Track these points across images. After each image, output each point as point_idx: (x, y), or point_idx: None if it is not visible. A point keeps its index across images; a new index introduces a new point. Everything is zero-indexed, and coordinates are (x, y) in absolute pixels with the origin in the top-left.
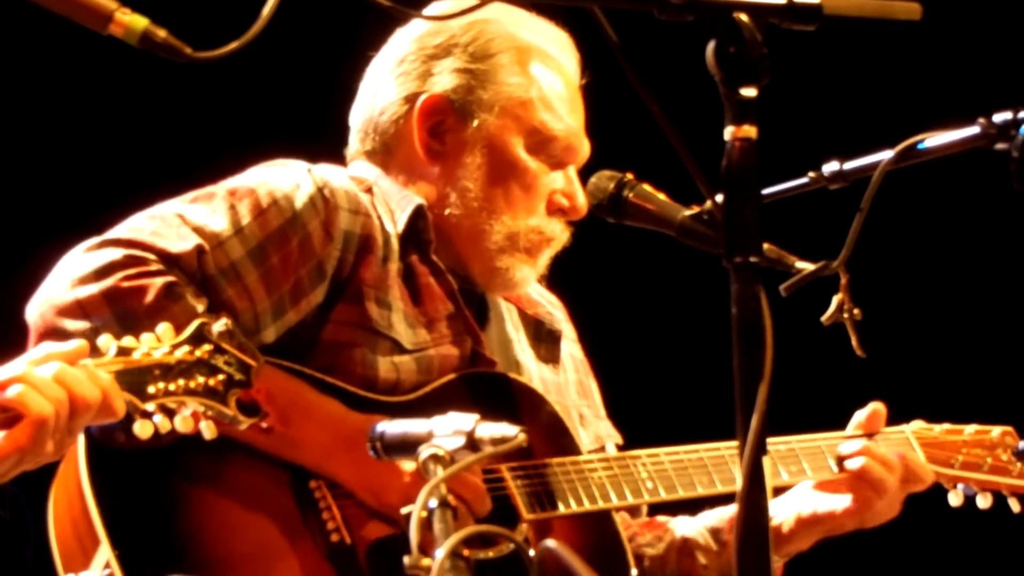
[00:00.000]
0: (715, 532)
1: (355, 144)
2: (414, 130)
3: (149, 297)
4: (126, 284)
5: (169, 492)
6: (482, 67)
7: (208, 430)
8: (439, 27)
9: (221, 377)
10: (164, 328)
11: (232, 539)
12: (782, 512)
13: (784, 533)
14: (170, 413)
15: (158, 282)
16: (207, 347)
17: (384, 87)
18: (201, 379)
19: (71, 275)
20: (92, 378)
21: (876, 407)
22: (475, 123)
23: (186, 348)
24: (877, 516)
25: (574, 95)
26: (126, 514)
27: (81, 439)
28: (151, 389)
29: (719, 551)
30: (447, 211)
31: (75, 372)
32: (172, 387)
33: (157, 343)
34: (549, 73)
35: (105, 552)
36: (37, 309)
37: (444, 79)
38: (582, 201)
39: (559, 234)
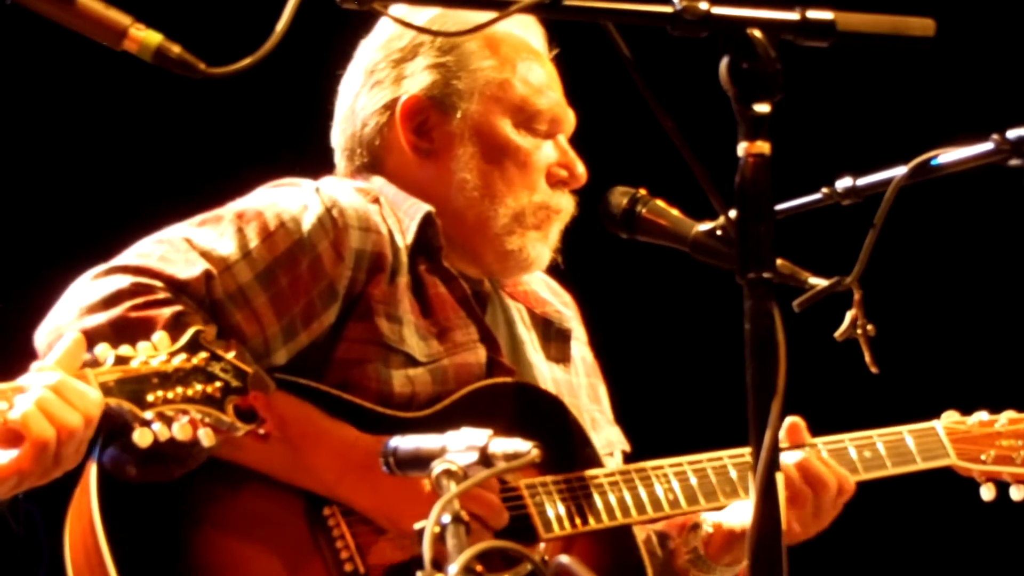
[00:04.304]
0: (662, 537)
1: (343, 164)
2: (399, 135)
3: (158, 329)
4: (134, 315)
5: (180, 525)
6: (452, 58)
7: (206, 437)
8: (402, 30)
9: (218, 384)
10: (160, 337)
11: (244, 572)
12: (723, 521)
13: (720, 543)
14: (168, 421)
15: (166, 313)
16: (203, 355)
17: (360, 101)
18: (199, 386)
19: (79, 303)
20: (88, 391)
21: (793, 420)
22: (458, 114)
23: (183, 356)
24: (804, 532)
25: (548, 68)
26: (137, 551)
27: (94, 474)
28: (150, 397)
29: (663, 557)
30: (449, 207)
31: (75, 387)
32: (171, 395)
33: (154, 352)
34: (519, 51)
35: None
36: (45, 338)
37: (418, 79)
38: (581, 169)
39: (565, 205)
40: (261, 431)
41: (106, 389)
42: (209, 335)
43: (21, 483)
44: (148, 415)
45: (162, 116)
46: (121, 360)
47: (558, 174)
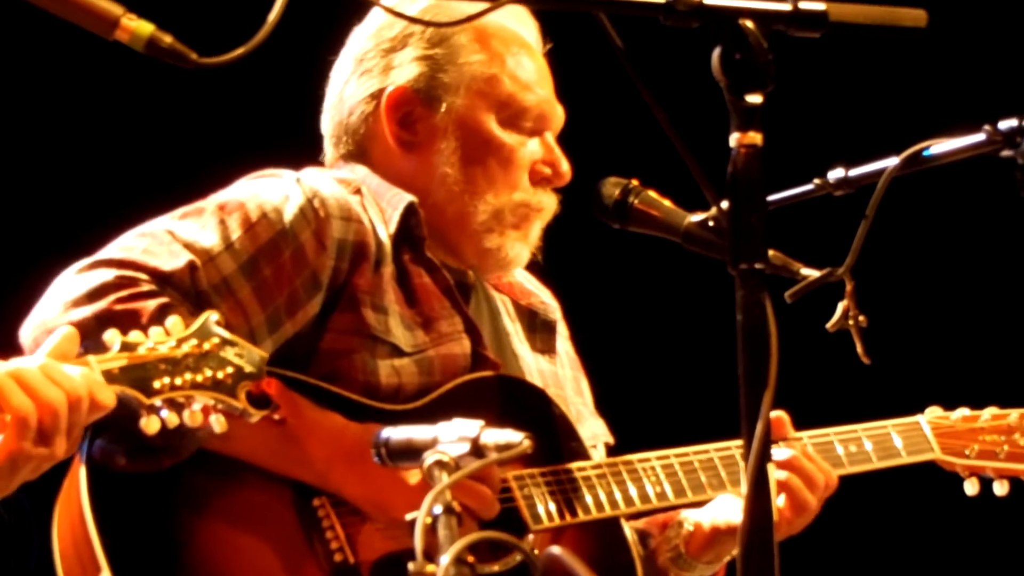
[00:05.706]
0: (643, 535)
1: (330, 150)
2: (384, 125)
3: (143, 321)
4: (119, 307)
5: (171, 516)
6: (441, 51)
7: (218, 424)
8: (393, 20)
9: (230, 370)
10: (173, 322)
11: (234, 563)
12: (704, 518)
13: (701, 541)
14: (178, 408)
15: (151, 305)
16: (215, 340)
17: (348, 88)
18: (209, 372)
19: (64, 298)
20: (74, 372)
21: (777, 415)
22: (443, 107)
23: (193, 342)
24: (790, 529)
25: (539, 63)
26: (127, 541)
27: (83, 465)
28: (156, 384)
29: (645, 555)
30: (430, 200)
31: (57, 367)
32: (178, 381)
33: (165, 337)
34: (510, 46)
35: None
36: (31, 332)
37: (405, 70)
38: (565, 167)
39: (547, 204)
40: (276, 416)
41: (110, 377)
42: (223, 320)
43: (15, 469)
44: (157, 402)
45: (151, 107)
46: (128, 347)
47: (542, 171)
